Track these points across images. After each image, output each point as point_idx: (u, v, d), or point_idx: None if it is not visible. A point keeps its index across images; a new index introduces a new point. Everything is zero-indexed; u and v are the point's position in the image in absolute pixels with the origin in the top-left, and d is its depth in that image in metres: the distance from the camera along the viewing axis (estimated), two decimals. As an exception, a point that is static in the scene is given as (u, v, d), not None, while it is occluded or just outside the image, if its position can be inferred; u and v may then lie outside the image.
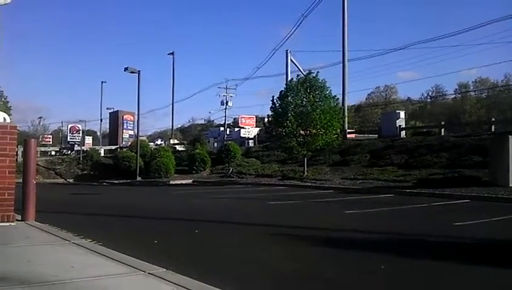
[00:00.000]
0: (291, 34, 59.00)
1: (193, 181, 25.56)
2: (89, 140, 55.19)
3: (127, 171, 28.61)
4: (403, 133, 28.71)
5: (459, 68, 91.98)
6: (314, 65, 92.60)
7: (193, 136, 52.49)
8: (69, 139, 39.54)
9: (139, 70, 28.91)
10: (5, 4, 7.10)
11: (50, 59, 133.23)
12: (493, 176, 15.19)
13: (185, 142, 46.79)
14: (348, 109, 33.26)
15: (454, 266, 5.36)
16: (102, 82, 60.62)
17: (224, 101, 59.32)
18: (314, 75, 22.82)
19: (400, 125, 28.57)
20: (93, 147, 45.06)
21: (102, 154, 38.37)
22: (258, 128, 48.69)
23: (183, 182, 25.40)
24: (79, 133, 39.11)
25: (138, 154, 28.39)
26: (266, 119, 26.33)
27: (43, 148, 44.50)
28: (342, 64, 32.52)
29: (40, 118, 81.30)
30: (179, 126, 78.29)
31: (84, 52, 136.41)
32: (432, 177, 17.17)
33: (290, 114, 21.98)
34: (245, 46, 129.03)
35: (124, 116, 49.64)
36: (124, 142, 45.02)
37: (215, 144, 43.89)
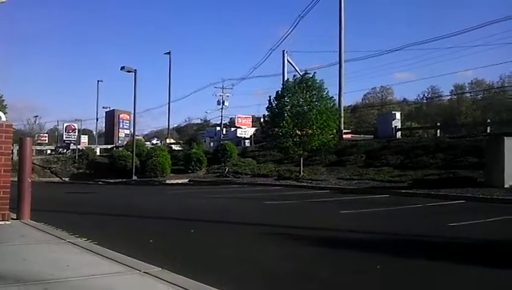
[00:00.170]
0: (288, 34, 59.24)
1: (189, 181, 25.55)
2: (84, 139, 55.05)
3: (123, 170, 28.58)
4: (398, 133, 28.82)
5: (455, 69, 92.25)
6: (310, 65, 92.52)
7: (189, 136, 52.45)
8: (64, 138, 39.46)
9: (135, 70, 28.92)
10: (2, 2, 7.08)
11: (46, 58, 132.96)
12: (488, 177, 15.26)
13: (181, 141, 46.77)
14: (344, 110, 33.27)
15: (449, 266, 5.38)
16: (98, 81, 60.34)
17: (221, 101, 59.25)
18: (311, 75, 22.88)
19: (395, 126, 28.68)
20: (89, 146, 45.01)
21: (98, 153, 38.35)
22: (254, 128, 48.70)
23: (179, 181, 25.39)
24: (75, 132, 39.06)
25: (134, 153, 28.37)
26: (262, 119, 26.32)
27: (38, 147, 44.43)
28: (338, 65, 32.57)
29: (36, 116, 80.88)
30: (175, 125, 78.38)
31: (81, 51, 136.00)
32: (428, 178, 17.23)
33: (286, 114, 22.01)
34: (242, 46, 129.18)
35: (120, 116, 49.60)
36: (120, 141, 45.00)
37: (212, 144, 43.91)
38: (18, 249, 4.88)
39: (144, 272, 3.96)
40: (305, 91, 22.17)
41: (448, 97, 67.69)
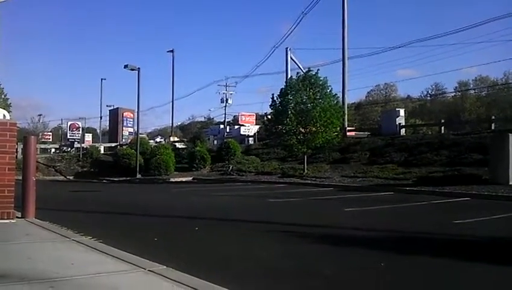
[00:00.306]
0: (291, 32, 59.37)
1: (193, 179, 25.56)
2: (88, 137, 55.29)
3: (127, 168, 28.64)
4: (402, 131, 28.72)
5: (459, 66, 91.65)
6: (314, 63, 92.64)
7: (193, 134, 52.45)
8: (68, 137, 39.62)
9: (138, 68, 28.95)
10: (5, 0, 7.09)
11: (50, 57, 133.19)
12: (493, 174, 15.19)
13: (185, 139, 46.82)
14: (347, 107, 33.22)
15: (455, 263, 5.36)
16: (102, 79, 60.58)
17: (224, 99, 59.32)
18: (314, 72, 22.83)
19: (399, 123, 28.55)
20: (93, 144, 45.14)
21: (102, 151, 38.43)
22: (258, 126, 48.66)
23: (183, 179, 25.41)
24: (79, 131, 39.22)
25: (138, 151, 28.41)
26: (265, 117, 26.30)
27: (42, 146, 44.52)
28: (341, 62, 32.47)
29: (40, 115, 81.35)
30: (178, 124, 78.28)
31: (85, 50, 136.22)
32: (432, 175, 17.18)
33: (290, 112, 21.99)
34: (245, 44, 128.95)
35: (124, 114, 49.67)
36: (123, 140, 45.09)
37: (215, 142, 43.88)
38: (23, 248, 4.90)
39: (149, 270, 3.96)
40: (308, 88, 22.13)
41: (452, 94, 67.46)
